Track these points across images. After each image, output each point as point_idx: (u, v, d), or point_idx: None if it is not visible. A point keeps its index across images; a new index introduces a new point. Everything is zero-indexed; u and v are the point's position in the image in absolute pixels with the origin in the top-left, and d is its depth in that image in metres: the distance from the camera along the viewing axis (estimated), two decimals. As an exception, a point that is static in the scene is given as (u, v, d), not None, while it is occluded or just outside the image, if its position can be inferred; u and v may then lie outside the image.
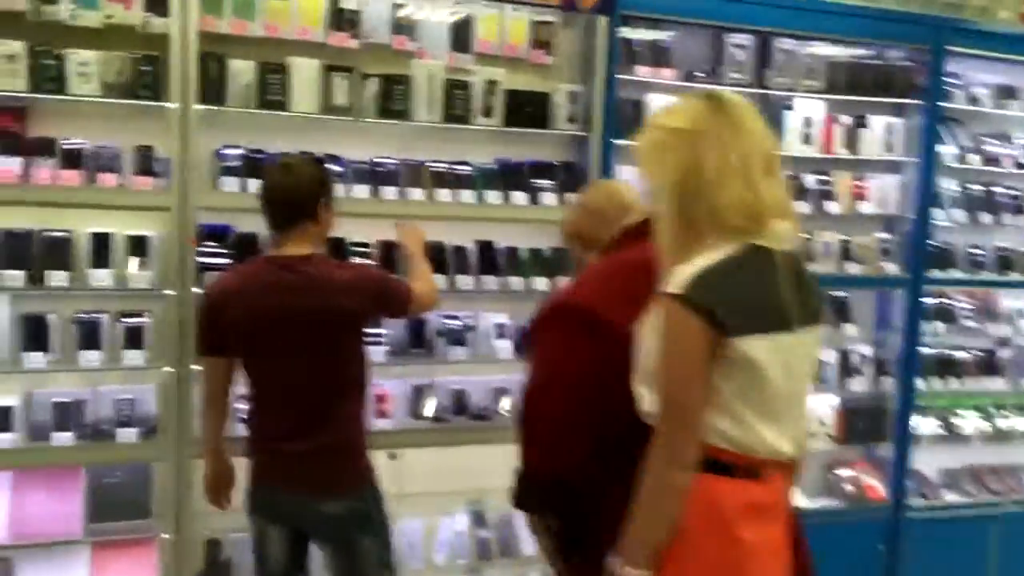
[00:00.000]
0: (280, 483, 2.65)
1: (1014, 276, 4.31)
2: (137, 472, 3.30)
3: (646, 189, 1.96)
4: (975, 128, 4.28)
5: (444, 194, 3.39)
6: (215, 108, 3.10)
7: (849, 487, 4.22)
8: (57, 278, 3.01)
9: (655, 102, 3.65)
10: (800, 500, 3.41)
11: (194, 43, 3.00)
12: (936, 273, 4.14)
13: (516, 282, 3.53)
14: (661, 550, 1.79)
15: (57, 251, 3.06)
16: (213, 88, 3.09)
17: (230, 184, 3.15)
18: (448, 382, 3.61)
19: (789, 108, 3.86)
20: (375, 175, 3.34)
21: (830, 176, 4.01)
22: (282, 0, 3.15)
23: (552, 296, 2.30)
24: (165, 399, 3.21)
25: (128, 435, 3.13)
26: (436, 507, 3.68)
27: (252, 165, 3.20)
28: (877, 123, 4.01)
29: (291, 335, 2.56)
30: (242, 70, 3.12)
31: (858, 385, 4.12)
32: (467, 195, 3.42)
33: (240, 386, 2.78)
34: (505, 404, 3.63)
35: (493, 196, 3.45)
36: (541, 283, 3.56)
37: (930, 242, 4.13)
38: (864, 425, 4.19)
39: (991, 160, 4.23)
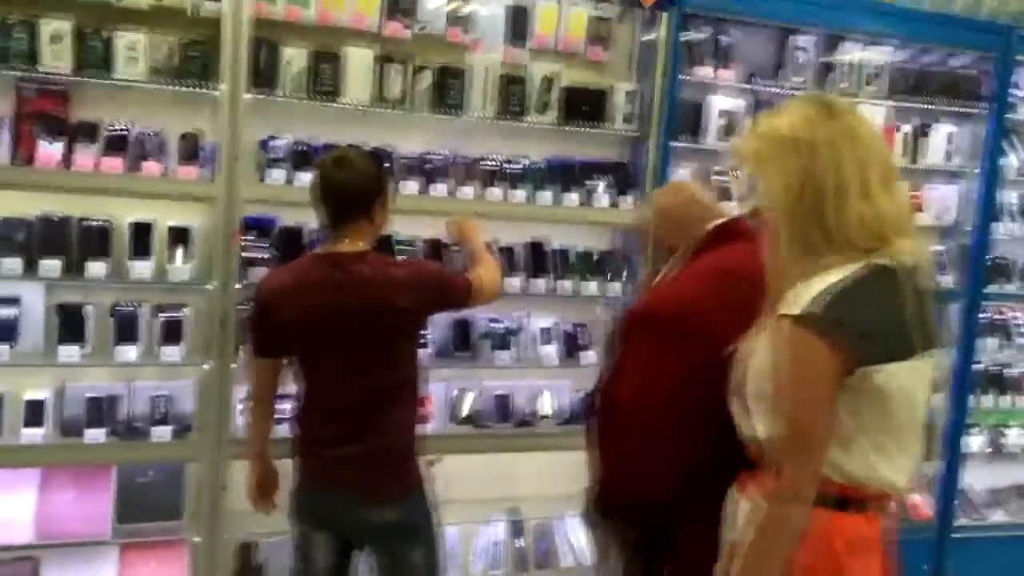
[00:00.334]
0: (329, 488, 2.53)
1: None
2: (169, 472, 3.18)
3: (747, 193, 1.85)
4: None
5: (495, 192, 3.26)
6: (264, 96, 2.97)
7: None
8: (95, 268, 2.89)
9: (716, 104, 3.52)
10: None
11: (246, 28, 2.87)
12: (993, 287, 4.01)
13: (566, 285, 3.40)
14: None
15: (96, 240, 2.94)
16: (264, 75, 2.96)
17: (276, 176, 3.02)
18: (492, 387, 3.49)
19: (851, 114, 3.73)
20: (425, 170, 3.22)
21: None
22: (337, -13, 3.03)
23: (642, 300, 2.19)
24: (202, 397, 3.10)
25: (163, 433, 3.01)
26: (473, 514, 3.56)
27: (299, 157, 3.08)
28: (939, 131, 3.88)
29: (344, 336, 2.44)
30: (294, 57, 2.99)
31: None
32: (519, 194, 3.29)
33: (285, 386, 2.67)
34: (545, 405, 3.51)
35: (545, 196, 3.32)
36: (591, 287, 3.43)
37: (988, 255, 4.00)
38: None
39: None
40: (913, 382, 1.68)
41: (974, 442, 4.16)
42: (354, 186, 2.45)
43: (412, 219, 3.20)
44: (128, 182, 2.88)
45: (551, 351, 3.44)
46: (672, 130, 3.41)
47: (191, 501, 3.19)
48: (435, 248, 3.27)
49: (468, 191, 3.22)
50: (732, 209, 2.38)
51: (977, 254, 3.96)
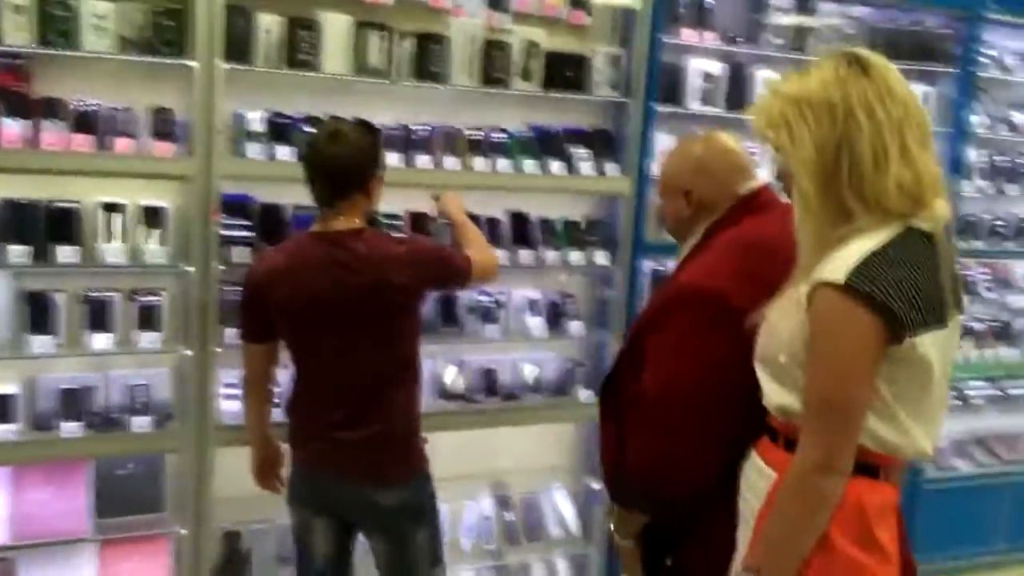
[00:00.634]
0: (330, 472, 2.46)
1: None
2: (148, 463, 3.05)
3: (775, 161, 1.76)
4: (1001, 97, 4.20)
5: (480, 163, 3.16)
6: (241, 67, 2.81)
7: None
8: (64, 253, 2.72)
9: (696, 67, 3.47)
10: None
11: (221, -6, 2.71)
12: (962, 245, 4.07)
13: (551, 256, 3.34)
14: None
15: (65, 223, 2.76)
16: (238, 45, 2.80)
17: (255, 151, 2.87)
18: (478, 361, 3.42)
19: (828, 75, 3.71)
20: (408, 142, 3.09)
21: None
22: (311, -52, 2.87)
23: (676, 277, 2.07)
24: (182, 384, 2.97)
25: (143, 424, 2.87)
26: (462, 490, 3.51)
27: (278, 130, 2.93)
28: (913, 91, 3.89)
29: (344, 316, 2.35)
30: (271, 26, 2.83)
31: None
32: (503, 164, 3.20)
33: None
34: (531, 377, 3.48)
35: (530, 165, 3.24)
36: (577, 256, 3.37)
37: (957, 214, 4.06)
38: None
39: (1016, 129, 4.17)
40: (947, 347, 1.65)
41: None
42: (349, 160, 2.34)
43: (395, 192, 3.07)
44: (99, 161, 2.70)
45: (538, 323, 3.38)
46: (656, 95, 3.35)
47: (172, 492, 3.07)
48: (419, 222, 3.17)
49: (453, 162, 3.11)
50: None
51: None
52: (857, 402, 1.58)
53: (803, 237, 1.67)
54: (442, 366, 3.35)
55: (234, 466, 3.01)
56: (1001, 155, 4.21)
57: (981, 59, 3.98)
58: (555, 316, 3.44)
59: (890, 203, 1.59)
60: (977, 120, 4.04)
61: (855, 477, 1.62)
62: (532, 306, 3.40)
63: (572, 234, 3.40)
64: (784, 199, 2.20)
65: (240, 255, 2.89)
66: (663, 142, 3.45)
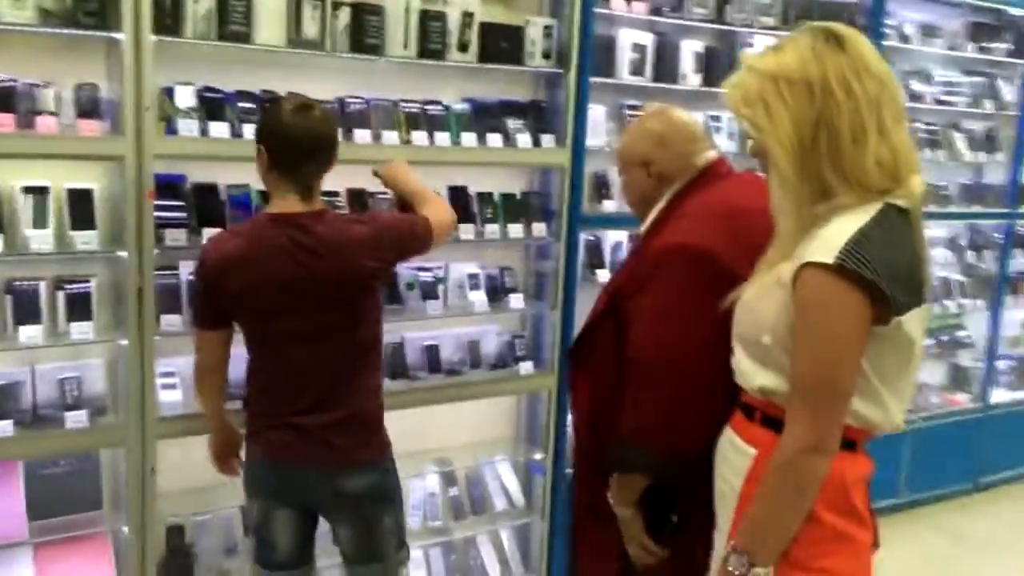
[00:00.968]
0: (294, 460, 2.39)
1: (932, 209, 4.50)
2: (81, 460, 2.89)
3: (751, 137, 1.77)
4: (900, 65, 4.39)
5: (419, 137, 3.10)
6: (171, 40, 2.66)
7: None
8: (-16, 242, 2.54)
9: (627, 38, 3.49)
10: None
11: (148, -38, 2.55)
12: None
13: (492, 229, 3.32)
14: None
15: (-17, 210, 2.57)
16: (167, 16, 2.65)
17: (187, 127, 2.73)
18: (421, 338, 3.38)
19: (750, 46, 3.80)
20: (345, 116, 3.01)
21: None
22: (240, -87, 2.73)
23: (649, 242, 2.11)
24: (117, 376, 2.83)
25: (79, 419, 2.71)
26: (406, 468, 3.45)
27: (211, 105, 2.80)
28: (824, 61, 4.03)
29: (309, 302, 2.28)
30: (202, -6, 2.69)
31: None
32: (442, 138, 3.15)
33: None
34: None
35: (470, 138, 3.20)
36: (517, 229, 3.36)
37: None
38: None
39: (915, 97, 4.37)
40: (924, 322, 1.68)
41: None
42: (321, 136, 2.26)
43: (334, 169, 3.00)
44: (21, 142, 2.52)
45: (480, 297, 3.36)
46: (590, 66, 3.35)
47: (109, 488, 2.93)
48: (359, 198, 3.09)
49: (392, 136, 3.05)
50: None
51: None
52: (846, 383, 1.58)
53: (780, 215, 1.67)
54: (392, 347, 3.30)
55: (172, 459, 2.91)
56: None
57: (885, 30, 4.14)
58: (494, 290, 3.43)
59: (869, 180, 1.60)
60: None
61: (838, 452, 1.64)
62: (473, 280, 3.37)
63: (509, 207, 3.39)
64: (746, 171, 2.28)
65: (175, 238, 2.76)
66: (596, 113, 3.48)
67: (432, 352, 3.37)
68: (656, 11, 3.54)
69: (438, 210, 2.58)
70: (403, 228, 2.45)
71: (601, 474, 2.12)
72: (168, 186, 2.79)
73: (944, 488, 4.90)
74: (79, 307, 2.71)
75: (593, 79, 3.39)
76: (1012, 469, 5.20)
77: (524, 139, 3.30)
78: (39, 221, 2.62)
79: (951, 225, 4.85)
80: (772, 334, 1.66)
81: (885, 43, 4.15)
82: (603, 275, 3.61)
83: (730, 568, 1.66)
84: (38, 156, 2.58)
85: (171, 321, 2.78)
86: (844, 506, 1.68)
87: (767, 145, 1.65)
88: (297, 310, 2.28)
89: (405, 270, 3.23)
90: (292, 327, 2.30)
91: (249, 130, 2.78)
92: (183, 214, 2.80)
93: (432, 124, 3.14)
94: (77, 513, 2.88)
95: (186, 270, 2.85)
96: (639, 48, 3.50)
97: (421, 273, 3.27)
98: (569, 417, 3.65)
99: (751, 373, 1.73)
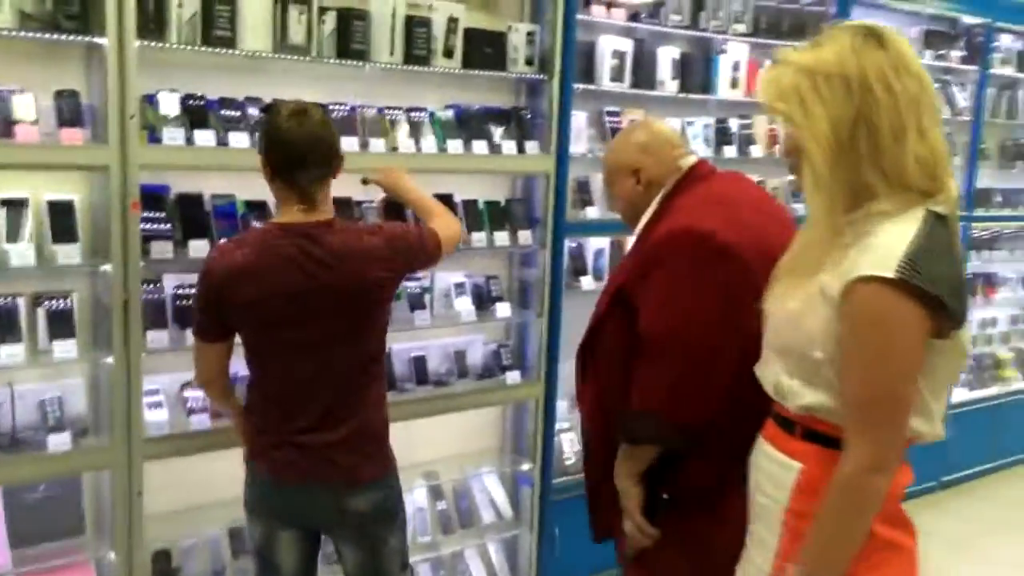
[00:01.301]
0: (298, 481, 2.31)
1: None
2: (62, 485, 2.76)
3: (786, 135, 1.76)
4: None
5: (406, 144, 3.06)
6: (155, 45, 2.58)
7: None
8: (-39, 259, 2.42)
9: (607, 44, 3.50)
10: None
11: (133, -36, 2.47)
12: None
13: (477, 237, 3.28)
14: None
15: (-41, 225, 2.45)
16: (151, 21, 2.56)
17: (172, 136, 2.64)
18: (408, 349, 3.31)
19: (723, 52, 3.84)
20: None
21: (751, 120, 4.06)
22: (223, -84, 2.66)
23: (646, 239, 2.17)
24: (99, 396, 2.72)
25: (62, 442, 2.59)
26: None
27: (195, 113, 2.71)
28: (793, 67, 4.09)
29: (318, 313, 2.21)
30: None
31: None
32: (429, 145, 3.10)
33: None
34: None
35: (456, 145, 3.16)
36: (502, 237, 3.33)
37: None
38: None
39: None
40: (968, 330, 1.65)
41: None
42: (318, 141, 2.19)
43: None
44: (1, 152, 2.41)
45: (467, 306, 3.32)
46: (573, 72, 3.35)
47: (92, 513, 2.81)
48: (346, 207, 3.02)
49: (379, 144, 2.99)
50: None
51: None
52: (907, 400, 1.54)
53: (812, 213, 1.63)
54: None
55: (156, 481, 2.80)
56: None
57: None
58: (479, 299, 3.39)
59: (909, 179, 1.57)
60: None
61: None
62: (459, 289, 3.33)
63: (494, 215, 3.36)
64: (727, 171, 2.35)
65: (160, 250, 2.67)
66: (577, 119, 3.47)
67: (419, 363, 3.31)
68: (634, 17, 3.55)
69: (447, 222, 2.54)
70: (413, 239, 2.39)
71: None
72: (152, 196, 2.70)
73: (911, 487, 4.96)
74: (60, 324, 2.60)
75: (580, 86, 3.39)
76: (972, 467, 5.33)
77: (509, 146, 3.27)
78: (14, 234, 2.50)
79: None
80: (823, 349, 1.60)
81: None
82: (587, 282, 3.60)
83: None
84: (19, 167, 2.47)
85: (157, 337, 2.68)
86: (893, 516, 1.66)
87: (802, 141, 1.62)
88: (305, 321, 2.21)
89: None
90: (299, 337, 2.23)
91: (234, 138, 2.73)
92: (168, 225, 2.71)
93: (418, 131, 3.10)
94: (59, 539, 2.75)
95: (171, 283, 2.76)
96: (619, 55, 3.51)
97: (408, 283, 3.20)
98: (556, 426, 3.64)
99: (796, 392, 1.67)
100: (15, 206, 2.52)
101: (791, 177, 4.20)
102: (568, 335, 3.52)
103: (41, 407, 2.65)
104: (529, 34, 3.27)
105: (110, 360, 2.62)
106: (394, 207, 3.11)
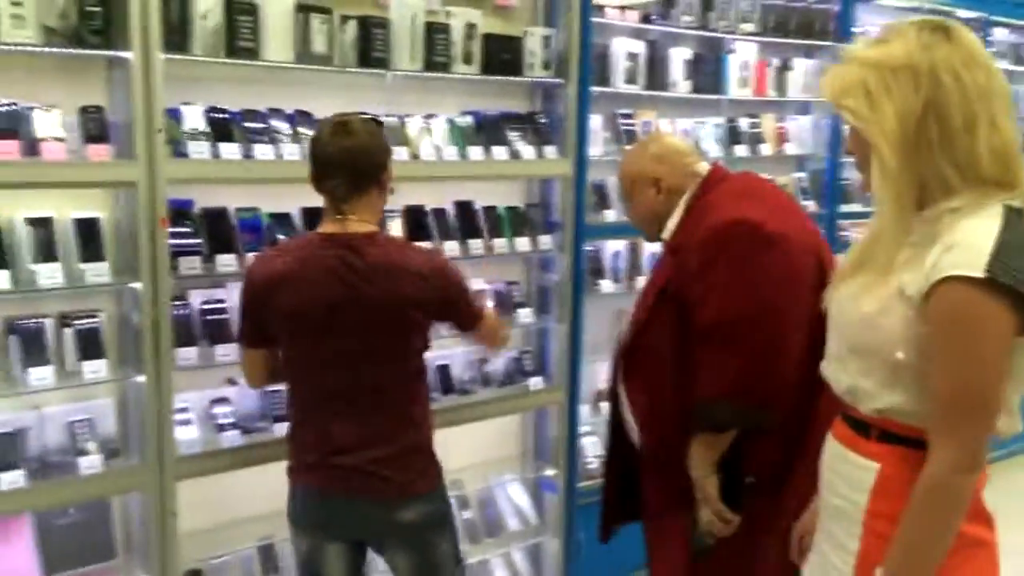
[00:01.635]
0: (345, 494, 2.28)
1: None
2: (91, 508, 2.70)
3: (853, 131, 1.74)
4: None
5: (428, 152, 3.03)
6: (180, 58, 2.54)
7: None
8: (-6, 279, 2.36)
9: (621, 47, 3.49)
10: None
11: (157, -23, 2.42)
12: (844, 208, 4.36)
13: (499, 243, 3.26)
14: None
15: (-14, 245, 2.39)
16: (175, 33, 2.52)
17: (198, 150, 2.60)
18: (433, 358, 3.27)
19: (732, 52, 3.85)
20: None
21: (759, 119, 4.07)
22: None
23: (674, 246, 2.30)
24: (130, 415, 2.67)
25: (93, 464, 2.54)
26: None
27: (219, 126, 2.67)
28: (800, 66, 4.11)
29: (358, 324, 2.18)
30: (210, 10, 2.57)
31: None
32: (450, 152, 3.08)
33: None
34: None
35: (476, 152, 3.13)
36: (523, 243, 3.31)
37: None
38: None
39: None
40: None
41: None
42: (362, 152, 2.18)
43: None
44: (28, 171, 2.35)
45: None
46: (590, 76, 3.34)
47: (122, 535, 2.76)
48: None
49: (402, 152, 2.96)
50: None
51: (832, 178, 4.28)
52: (996, 400, 1.52)
53: (880, 209, 1.60)
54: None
55: (185, 499, 2.75)
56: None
57: (854, 34, 4.25)
58: (502, 305, 3.37)
59: (985, 170, 1.54)
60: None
61: None
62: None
63: (514, 220, 3.34)
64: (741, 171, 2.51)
65: (189, 266, 2.63)
66: (593, 122, 3.46)
67: (444, 372, 3.28)
68: (646, 19, 3.55)
69: (493, 321, 2.55)
70: (460, 281, 2.36)
71: (667, 470, 2.26)
72: (178, 212, 2.66)
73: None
74: (89, 344, 2.55)
75: (597, 89, 3.38)
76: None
77: (528, 151, 3.25)
78: (43, 254, 2.45)
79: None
80: (904, 350, 1.58)
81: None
82: (606, 285, 3.59)
83: None
84: (46, 185, 2.41)
85: (187, 354, 2.64)
86: (977, 513, 1.65)
87: (869, 136, 1.59)
88: (346, 331, 2.19)
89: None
90: (341, 346, 2.20)
91: (259, 150, 2.69)
92: (196, 240, 2.67)
93: (438, 138, 3.07)
94: (90, 564, 2.69)
95: (198, 299, 2.72)
96: (632, 56, 3.50)
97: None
98: (580, 429, 3.62)
99: (873, 394, 1.64)
100: (41, 225, 2.47)
101: (797, 174, 4.24)
102: (587, 338, 3.51)
103: (70, 429, 2.59)
104: (545, 38, 3.25)
105: (140, 379, 2.57)
106: (415, 215, 3.09)
